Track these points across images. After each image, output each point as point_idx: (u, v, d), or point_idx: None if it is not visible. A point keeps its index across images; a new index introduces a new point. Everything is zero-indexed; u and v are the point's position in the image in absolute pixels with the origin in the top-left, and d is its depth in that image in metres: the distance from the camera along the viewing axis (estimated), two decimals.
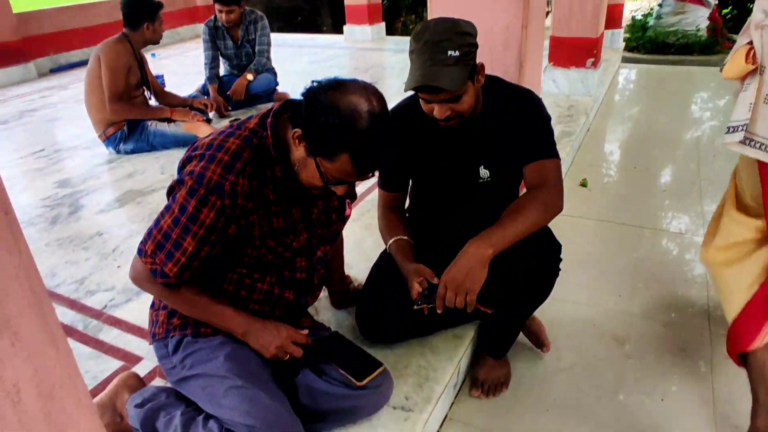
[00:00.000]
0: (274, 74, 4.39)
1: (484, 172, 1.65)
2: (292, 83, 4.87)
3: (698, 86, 5.03)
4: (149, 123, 3.48)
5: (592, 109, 3.94)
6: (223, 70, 4.37)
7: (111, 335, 1.91)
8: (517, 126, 1.56)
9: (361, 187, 2.80)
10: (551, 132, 1.61)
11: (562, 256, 1.62)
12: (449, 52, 1.38)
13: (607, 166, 3.45)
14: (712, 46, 6.52)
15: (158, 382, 1.66)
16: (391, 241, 1.65)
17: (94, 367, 1.78)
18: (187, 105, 3.73)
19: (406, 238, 1.66)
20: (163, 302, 1.39)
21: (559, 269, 1.63)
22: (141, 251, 1.28)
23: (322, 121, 1.13)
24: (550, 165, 1.56)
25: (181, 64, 6.22)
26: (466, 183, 1.67)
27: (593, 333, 2.01)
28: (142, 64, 3.49)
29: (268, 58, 4.24)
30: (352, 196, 1.49)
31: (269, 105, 4.21)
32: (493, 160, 1.63)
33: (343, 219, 1.52)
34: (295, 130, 1.20)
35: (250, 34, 4.15)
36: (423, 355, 1.70)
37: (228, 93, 4.12)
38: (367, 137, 1.14)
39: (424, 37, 1.39)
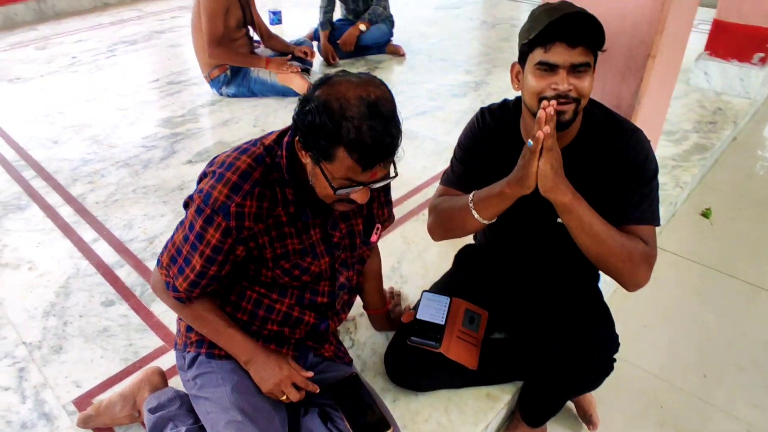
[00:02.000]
0: (391, 24, 4.15)
1: None
2: (409, 33, 4.61)
3: None
4: (252, 69, 3.45)
5: (745, 115, 3.31)
6: (339, 13, 4.21)
7: (161, 308, 1.97)
8: (617, 173, 1.31)
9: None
10: (657, 189, 1.34)
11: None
12: (581, 9, 1.19)
13: (742, 197, 2.87)
14: None
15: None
16: (469, 200, 1.35)
17: (138, 341, 1.85)
18: (289, 51, 3.63)
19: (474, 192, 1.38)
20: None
21: (613, 366, 1.39)
22: (158, 261, 1.29)
23: (310, 120, 1.02)
24: (648, 232, 1.31)
25: None
26: (541, 221, 1.42)
27: (656, 418, 1.75)
28: (246, 3, 3.41)
29: (385, 7, 3.99)
30: (389, 219, 1.46)
31: (381, 56, 4.19)
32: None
33: (368, 244, 1.40)
34: (297, 137, 1.10)
35: None
36: (447, 411, 1.57)
37: (338, 42, 3.97)
38: (359, 122, 0.99)
39: (547, 7, 1.21)
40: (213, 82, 3.50)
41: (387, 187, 1.42)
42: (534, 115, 1.22)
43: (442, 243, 1.75)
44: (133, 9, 5.62)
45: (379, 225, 1.39)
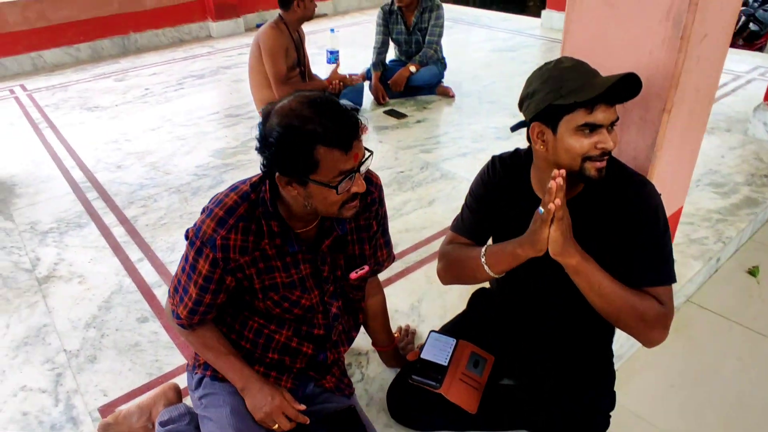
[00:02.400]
0: (443, 66, 4.25)
1: None
2: (463, 75, 4.69)
3: None
4: None
5: None
6: (393, 54, 4.36)
7: None
8: (626, 227, 1.29)
9: None
10: (669, 245, 1.32)
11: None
12: (638, 78, 1.20)
13: None
14: None
15: None
16: (481, 254, 1.38)
17: (164, 358, 1.96)
18: (324, 87, 3.79)
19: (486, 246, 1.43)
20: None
21: (608, 422, 1.36)
22: (169, 290, 1.39)
23: (281, 151, 1.09)
24: (663, 292, 1.29)
25: (364, 36, 6.33)
26: (553, 282, 1.41)
27: None
28: (300, 44, 3.61)
29: (437, 50, 4.10)
30: (388, 259, 1.51)
31: (431, 97, 4.29)
32: (590, 254, 1.32)
33: (347, 280, 1.43)
34: (276, 175, 1.15)
35: (423, 21, 4.04)
36: None
37: (389, 82, 4.10)
38: (317, 117, 1.07)
39: (567, 63, 1.23)
40: None
41: (384, 229, 1.47)
42: (573, 173, 1.24)
43: (465, 286, 1.77)
44: (205, 45, 6.03)
45: (366, 267, 1.42)
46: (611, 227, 1.32)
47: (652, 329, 1.27)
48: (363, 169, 1.15)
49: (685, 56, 1.39)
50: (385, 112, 3.97)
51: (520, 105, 1.32)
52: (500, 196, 1.47)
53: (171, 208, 2.88)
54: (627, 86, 1.20)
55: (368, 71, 4.22)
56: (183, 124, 3.94)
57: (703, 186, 2.90)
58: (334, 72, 3.76)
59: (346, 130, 1.09)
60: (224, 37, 6.28)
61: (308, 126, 1.07)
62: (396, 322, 2.01)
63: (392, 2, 4.05)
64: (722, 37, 1.54)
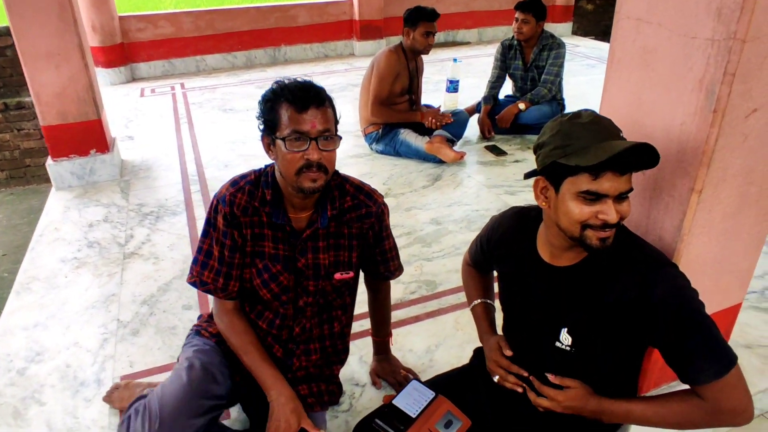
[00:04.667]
0: (560, 106, 4.07)
1: (565, 338, 1.28)
2: None
3: None
4: (401, 132, 3.69)
5: None
6: (510, 88, 4.27)
7: None
8: (646, 318, 1.14)
9: None
10: (710, 332, 1.12)
11: None
12: (621, 133, 1.14)
13: None
14: None
15: None
16: (473, 304, 1.59)
17: None
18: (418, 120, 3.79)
19: (485, 302, 1.58)
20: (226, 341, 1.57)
21: None
22: (193, 261, 1.50)
23: (259, 108, 1.34)
24: (715, 389, 1.11)
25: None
26: (541, 341, 1.33)
27: None
28: (415, 73, 3.69)
29: (551, 90, 3.93)
30: (397, 270, 1.67)
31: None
32: (585, 330, 1.24)
33: (330, 279, 1.50)
34: (262, 138, 1.36)
35: (541, 59, 3.90)
36: None
37: (496, 117, 4.02)
38: (287, 82, 1.31)
39: (583, 119, 1.12)
40: (367, 137, 3.83)
41: (390, 244, 1.59)
42: (573, 239, 1.16)
43: None
44: (345, 63, 6.39)
45: (351, 272, 1.53)
46: (622, 307, 1.17)
47: (714, 423, 1.15)
48: (321, 140, 1.28)
49: (719, 132, 1.20)
50: (487, 147, 3.90)
51: (534, 152, 1.23)
52: (505, 251, 1.42)
53: None
54: (639, 156, 1.08)
55: (479, 104, 4.17)
56: None
57: None
58: (432, 111, 3.76)
59: (303, 93, 1.27)
60: (365, 56, 6.60)
61: (277, 87, 1.31)
62: (406, 363, 1.98)
63: (512, 37, 3.97)
64: None
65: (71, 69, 3.25)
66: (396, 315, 2.24)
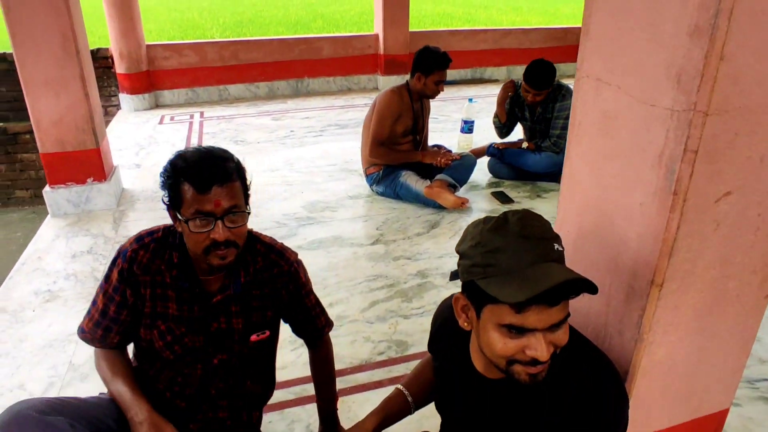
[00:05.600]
0: None
1: None
2: None
3: None
4: (402, 174, 3.55)
5: None
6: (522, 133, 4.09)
7: None
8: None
9: None
10: None
11: None
12: (556, 246, 0.93)
13: None
14: None
15: None
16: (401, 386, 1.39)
17: None
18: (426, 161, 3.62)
19: (404, 390, 1.36)
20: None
21: None
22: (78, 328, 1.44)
23: (162, 182, 1.23)
24: None
25: None
26: None
27: None
28: (420, 113, 3.56)
29: (556, 144, 3.70)
30: (326, 326, 1.56)
31: (552, 185, 3.89)
32: None
33: (246, 343, 1.40)
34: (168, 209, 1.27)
35: (548, 111, 3.71)
36: None
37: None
38: (189, 156, 1.21)
39: (510, 229, 0.92)
40: (368, 177, 3.69)
41: (311, 302, 1.50)
42: (501, 370, 0.97)
43: None
44: (367, 97, 6.33)
45: (267, 331, 1.42)
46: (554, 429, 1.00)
47: None
48: (226, 216, 1.20)
49: (681, 218, 1.00)
50: (493, 194, 3.71)
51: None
52: (439, 347, 1.26)
53: None
54: (575, 288, 0.90)
55: (490, 147, 4.00)
56: (298, 170, 4.13)
57: None
58: (434, 153, 3.59)
59: (206, 173, 1.18)
60: None
61: (179, 162, 1.20)
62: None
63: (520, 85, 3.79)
64: (767, 198, 1.10)
65: (70, 98, 3.25)
66: (356, 378, 2.06)
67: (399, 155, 3.57)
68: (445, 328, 1.22)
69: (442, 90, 3.47)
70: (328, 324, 1.58)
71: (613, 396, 1.00)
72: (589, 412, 0.98)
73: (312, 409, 1.90)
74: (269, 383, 1.60)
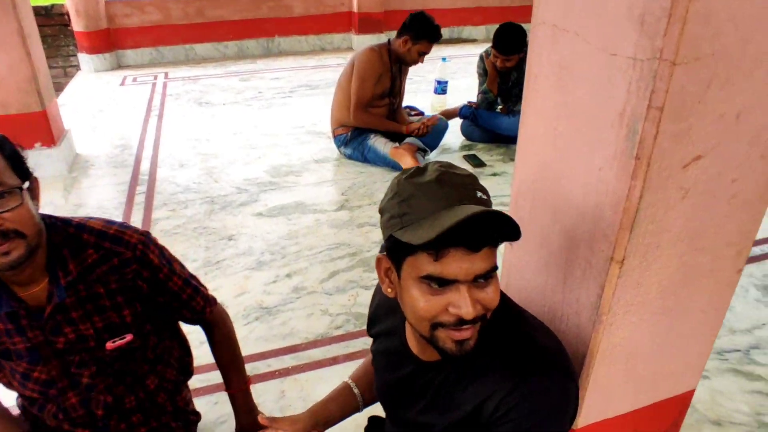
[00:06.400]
0: None
1: None
2: None
3: None
4: (371, 136, 3.38)
5: None
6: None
7: None
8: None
9: None
10: None
11: None
12: (478, 193, 0.83)
13: None
14: None
15: None
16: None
17: None
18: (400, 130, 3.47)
19: (352, 384, 1.25)
20: None
21: None
22: None
23: None
24: None
25: None
26: None
27: None
28: (398, 75, 3.39)
29: None
30: (206, 304, 1.31)
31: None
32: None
33: (103, 350, 1.17)
34: None
35: (521, 75, 3.53)
36: None
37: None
38: None
39: (426, 177, 0.83)
40: (336, 138, 3.52)
41: (161, 283, 1.21)
42: (424, 339, 0.86)
43: None
44: (339, 56, 6.07)
45: (129, 335, 1.18)
46: (477, 421, 0.89)
47: None
48: None
49: (645, 185, 0.87)
50: (465, 157, 3.56)
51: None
52: (377, 331, 1.14)
53: (193, 218, 2.83)
54: (493, 225, 0.78)
55: (463, 108, 3.82)
56: (264, 133, 3.94)
57: None
58: (419, 124, 3.42)
59: None
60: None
61: None
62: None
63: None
64: (749, 164, 0.96)
65: (9, 57, 3.01)
66: (311, 355, 1.95)
67: (383, 123, 3.41)
68: (380, 310, 1.12)
69: (422, 62, 3.36)
70: (208, 303, 1.33)
71: (537, 395, 0.85)
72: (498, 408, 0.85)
73: (261, 389, 1.79)
74: (183, 365, 1.42)
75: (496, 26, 3.47)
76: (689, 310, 1.10)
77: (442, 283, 0.79)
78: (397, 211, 0.82)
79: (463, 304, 0.78)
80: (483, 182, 0.89)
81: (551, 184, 1.07)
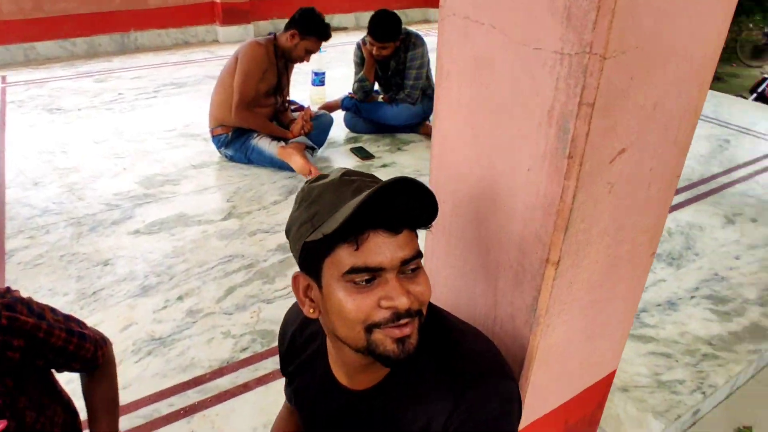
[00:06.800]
0: (431, 102, 3.71)
1: None
2: None
3: None
4: (254, 136, 3.18)
5: None
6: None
7: None
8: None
9: None
10: None
11: None
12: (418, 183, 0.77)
13: None
14: None
15: None
16: None
17: None
18: (283, 135, 3.30)
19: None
20: None
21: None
22: None
23: None
24: None
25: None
26: None
27: None
28: (284, 71, 3.22)
29: (410, 95, 3.54)
30: (98, 350, 1.11)
31: (412, 136, 3.77)
32: None
33: None
34: None
35: (399, 63, 3.52)
36: None
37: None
38: None
39: (331, 178, 0.80)
40: (215, 138, 3.28)
41: (34, 341, 0.97)
42: (362, 352, 0.77)
43: None
44: (207, 51, 5.69)
45: (3, 421, 0.94)
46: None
47: None
48: None
49: (578, 184, 0.84)
50: (353, 150, 3.48)
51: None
52: (295, 367, 1.03)
53: (58, 244, 2.48)
54: (410, 198, 0.74)
55: (345, 99, 3.73)
56: (130, 140, 3.57)
57: (699, 299, 2.26)
58: (299, 122, 3.25)
59: None
60: (230, 44, 5.93)
61: None
62: None
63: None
64: (663, 151, 0.98)
65: None
66: (218, 385, 1.78)
67: (266, 126, 3.22)
68: (297, 337, 1.01)
69: (308, 61, 3.23)
70: (99, 345, 1.13)
71: (480, 406, 0.80)
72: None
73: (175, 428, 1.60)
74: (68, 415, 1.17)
75: (366, 14, 3.42)
76: (612, 299, 1.11)
77: (370, 277, 0.73)
78: (307, 215, 0.76)
79: (395, 294, 0.73)
80: (374, 174, 0.84)
81: (472, 186, 1.01)
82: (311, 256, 0.77)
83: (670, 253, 2.57)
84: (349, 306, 0.74)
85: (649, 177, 0.97)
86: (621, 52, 0.76)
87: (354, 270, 0.73)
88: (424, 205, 0.76)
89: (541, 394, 1.10)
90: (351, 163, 3.35)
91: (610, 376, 1.31)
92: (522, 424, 1.10)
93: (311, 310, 0.82)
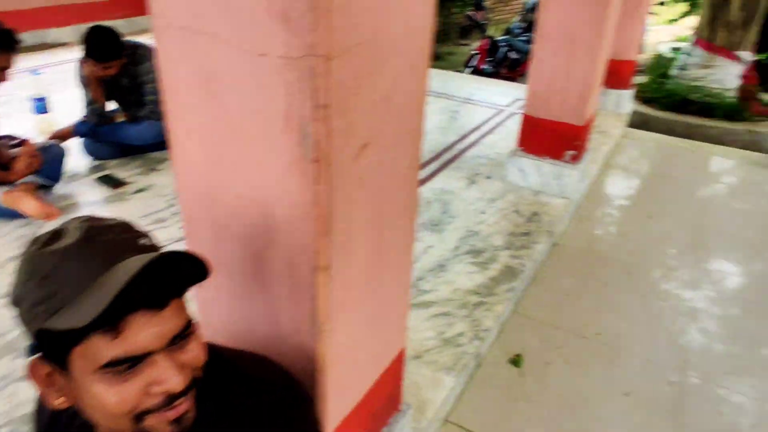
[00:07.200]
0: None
1: None
2: None
3: (719, 174, 4.05)
4: None
5: (561, 218, 3.00)
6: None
7: None
8: None
9: None
10: None
11: None
12: (141, 240, 0.69)
13: (557, 328, 2.43)
14: (739, 111, 5.62)
15: None
16: None
17: None
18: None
19: None
20: None
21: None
22: None
23: None
24: None
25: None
26: None
27: None
28: None
29: (154, 111, 3.25)
30: None
31: (165, 154, 3.47)
32: None
33: None
34: None
35: (132, 79, 3.19)
36: None
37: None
38: None
39: (67, 241, 0.64)
40: None
41: None
42: None
43: None
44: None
45: None
46: None
47: None
48: None
49: (332, 186, 0.84)
50: (100, 179, 3.09)
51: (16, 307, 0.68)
52: None
53: None
54: (173, 269, 0.65)
55: (78, 125, 3.29)
56: None
57: (461, 255, 2.55)
58: (22, 159, 2.73)
59: None
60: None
61: None
62: None
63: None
64: (401, 138, 1.04)
65: None
66: None
67: None
68: (53, 425, 0.85)
69: (8, 80, 2.67)
70: None
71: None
72: None
73: None
74: None
75: (85, 25, 3.03)
76: (386, 284, 1.16)
77: (134, 363, 0.63)
78: (39, 295, 0.62)
79: (167, 375, 0.64)
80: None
81: (225, 205, 0.96)
82: (53, 345, 0.64)
83: (431, 219, 2.83)
84: (112, 399, 0.63)
85: (394, 163, 1.03)
86: (344, 51, 0.77)
87: (114, 363, 0.62)
88: (193, 274, 0.68)
89: (341, 395, 1.11)
90: (100, 195, 2.97)
91: (401, 354, 1.39)
92: (330, 428, 1.10)
93: (61, 401, 0.68)
